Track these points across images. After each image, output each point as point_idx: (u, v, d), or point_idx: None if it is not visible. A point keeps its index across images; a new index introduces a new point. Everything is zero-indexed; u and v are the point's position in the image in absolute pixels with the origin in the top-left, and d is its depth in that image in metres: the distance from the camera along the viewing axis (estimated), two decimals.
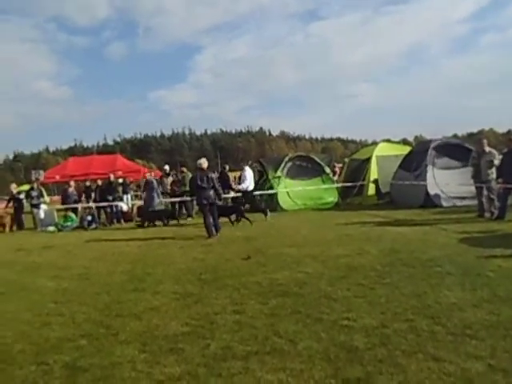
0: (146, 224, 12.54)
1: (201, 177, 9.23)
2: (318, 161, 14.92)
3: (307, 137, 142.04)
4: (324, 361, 2.88)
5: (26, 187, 16.54)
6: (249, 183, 12.47)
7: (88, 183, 15.89)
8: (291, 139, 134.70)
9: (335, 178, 16.16)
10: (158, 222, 12.54)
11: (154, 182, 13.64)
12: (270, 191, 14.03)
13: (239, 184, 16.52)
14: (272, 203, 13.95)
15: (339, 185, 15.04)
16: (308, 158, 15.16)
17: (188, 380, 2.74)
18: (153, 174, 17.83)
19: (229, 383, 2.67)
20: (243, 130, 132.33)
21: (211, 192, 9.28)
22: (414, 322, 3.44)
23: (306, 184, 14.09)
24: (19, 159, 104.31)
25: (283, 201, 13.85)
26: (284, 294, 4.43)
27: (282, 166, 14.44)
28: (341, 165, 20.05)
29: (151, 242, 9.05)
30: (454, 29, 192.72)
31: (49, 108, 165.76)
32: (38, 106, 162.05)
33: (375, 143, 17.61)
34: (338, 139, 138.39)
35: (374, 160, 14.53)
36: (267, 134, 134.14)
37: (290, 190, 13.96)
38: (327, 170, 14.85)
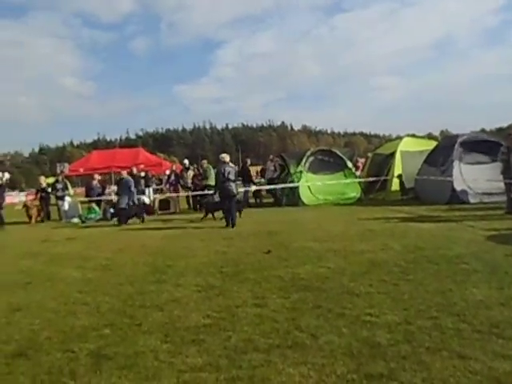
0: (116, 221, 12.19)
1: (225, 170, 9.77)
2: (341, 155, 14.75)
3: (329, 131, 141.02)
4: (346, 356, 2.86)
5: (51, 180, 16.97)
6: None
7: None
8: (313, 133, 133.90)
9: (358, 172, 15.99)
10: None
11: (131, 181, 12.99)
12: (291, 185, 13.97)
13: (262, 177, 16.62)
14: (294, 198, 13.91)
15: (362, 179, 14.86)
16: (330, 152, 15.00)
17: (210, 371, 2.76)
18: (174, 167, 18.02)
19: (250, 375, 2.67)
20: (264, 125, 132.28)
21: (234, 185, 9.92)
22: (439, 320, 3.37)
23: (328, 178, 13.96)
24: (44, 152, 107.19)
25: (305, 195, 13.78)
26: (306, 289, 4.41)
27: (304, 160, 14.35)
28: (363, 159, 19.80)
29: (173, 235, 9.15)
30: (485, 20, 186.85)
31: (73, 102, 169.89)
32: (63, 101, 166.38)
33: (399, 138, 17.28)
34: (361, 134, 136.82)
35: (398, 155, 14.27)
36: (289, 128, 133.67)
37: (311, 185, 13.87)
38: (349, 164, 14.66)
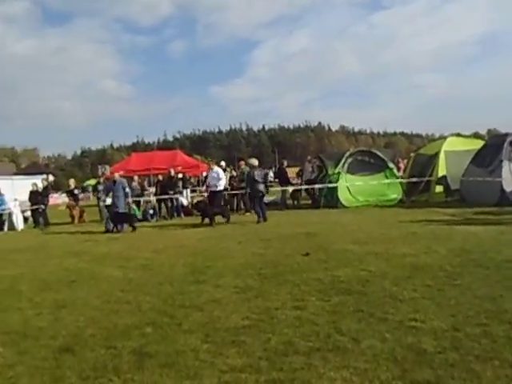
0: (112, 228, 11.52)
1: (254, 173, 11.39)
2: (381, 156, 14.37)
3: (368, 131, 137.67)
4: (390, 361, 2.78)
5: (92, 182, 17.69)
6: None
7: (161, 177, 16.53)
8: (351, 134, 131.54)
9: (399, 173, 15.54)
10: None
11: (124, 182, 12.65)
12: (330, 185, 13.78)
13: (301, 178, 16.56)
14: (332, 199, 13.73)
15: (404, 181, 14.43)
16: (370, 152, 14.65)
17: (250, 372, 2.75)
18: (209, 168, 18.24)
19: (291, 378, 2.64)
20: (301, 125, 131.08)
21: (262, 185, 11.28)
22: (489, 327, 3.20)
23: (368, 180, 13.65)
24: (86, 155, 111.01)
25: (344, 197, 13.55)
26: (346, 292, 4.33)
27: (343, 161, 14.11)
28: (405, 160, 19.24)
29: (210, 236, 9.26)
30: None
31: (113, 106, 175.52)
32: (103, 104, 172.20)
33: (443, 137, 16.64)
34: (402, 134, 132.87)
35: (442, 155, 13.70)
36: (326, 128, 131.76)
37: (350, 186, 13.63)
38: (391, 165, 14.26)
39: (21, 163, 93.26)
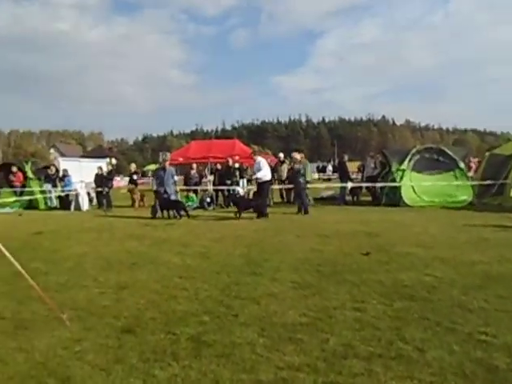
0: (160, 214, 11.74)
1: (296, 167, 12.45)
2: (451, 154, 13.50)
3: (436, 127, 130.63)
4: (458, 376, 2.59)
5: (152, 167, 18.29)
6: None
7: (219, 166, 16.81)
8: (417, 129, 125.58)
9: (470, 174, 14.57)
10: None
11: (173, 170, 13.14)
12: (393, 184, 13.23)
13: (362, 173, 16.07)
14: (395, 197, 13.17)
15: (475, 182, 13.50)
16: (439, 150, 13.81)
17: (307, 372, 2.68)
18: (269, 159, 18.19)
19: (350, 383, 2.55)
20: (363, 118, 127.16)
21: (302, 179, 12.41)
22: None
23: (436, 179, 12.89)
24: (147, 141, 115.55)
25: (408, 196, 12.93)
26: (410, 298, 4.10)
27: (409, 158, 13.44)
28: (477, 160, 18.00)
29: (266, 228, 9.23)
30: None
31: (175, 94, 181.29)
32: (165, 92, 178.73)
33: None
34: (474, 131, 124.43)
35: None
36: (390, 122, 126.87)
37: (415, 185, 12.98)
38: (461, 164, 13.37)
39: (87, 146, 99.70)
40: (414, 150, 13.81)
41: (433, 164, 13.36)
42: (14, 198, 15.45)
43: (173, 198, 12.31)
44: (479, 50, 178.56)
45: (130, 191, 16.43)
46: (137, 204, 15.75)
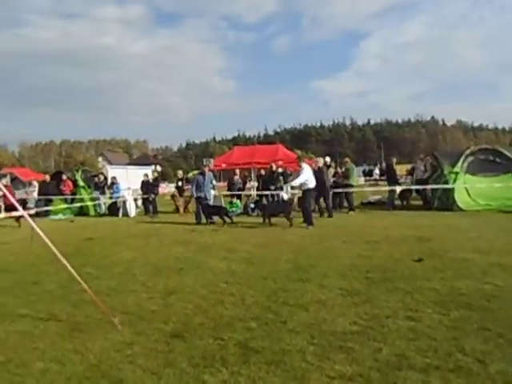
0: (204, 220, 11.89)
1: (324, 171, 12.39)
2: (509, 155, 12.71)
3: (490, 126, 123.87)
4: None
5: (196, 173, 18.58)
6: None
7: (263, 172, 16.78)
8: (470, 129, 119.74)
9: None
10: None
11: (212, 175, 13.09)
12: (445, 186, 12.63)
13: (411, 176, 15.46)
14: (447, 201, 12.56)
15: None
16: (496, 151, 12.98)
17: (360, 382, 2.60)
18: (313, 164, 17.96)
19: None
20: (412, 120, 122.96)
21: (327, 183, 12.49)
22: None
23: (492, 181, 12.09)
24: (190, 147, 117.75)
25: (461, 200, 12.27)
26: (468, 307, 3.87)
27: (462, 159, 12.76)
28: None
29: (313, 233, 9.09)
30: None
31: (216, 101, 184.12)
32: (207, 99, 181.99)
33: None
34: None
35: None
36: (440, 123, 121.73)
37: (470, 187, 12.31)
38: None
39: (133, 154, 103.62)
40: (467, 152, 13.12)
41: (488, 166, 12.58)
42: (65, 205, 16.21)
43: (211, 203, 12.44)
44: None
45: (173, 198, 16.76)
46: (181, 210, 16.05)
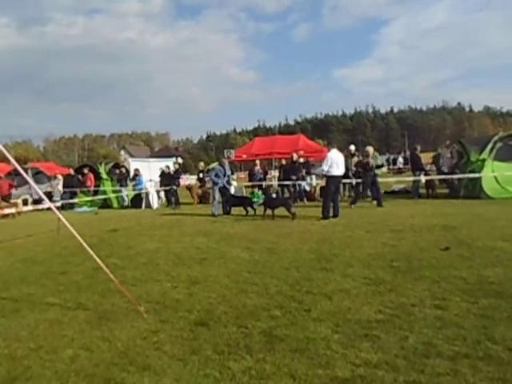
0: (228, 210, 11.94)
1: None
2: None
3: None
4: None
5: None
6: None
7: (284, 162, 16.65)
8: (498, 115, 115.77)
9: None
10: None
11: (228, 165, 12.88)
12: (472, 175, 12.30)
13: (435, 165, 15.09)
14: (474, 189, 12.23)
15: None
16: None
17: (387, 370, 2.56)
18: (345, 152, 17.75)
19: (434, 382, 2.39)
20: (436, 106, 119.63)
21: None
22: None
23: None
24: (211, 139, 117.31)
25: (489, 187, 11.93)
26: (497, 295, 3.78)
27: (490, 146, 12.37)
28: None
29: (335, 223, 9.02)
30: None
31: (236, 91, 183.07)
32: (227, 90, 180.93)
33: None
34: None
35: None
36: (467, 109, 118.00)
37: (498, 174, 11.95)
38: None
39: (154, 147, 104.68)
40: (495, 138, 12.70)
41: None
42: (89, 198, 16.51)
43: (235, 194, 12.48)
44: None
45: (189, 189, 16.88)
46: (195, 201, 16.13)
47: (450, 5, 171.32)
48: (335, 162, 10.04)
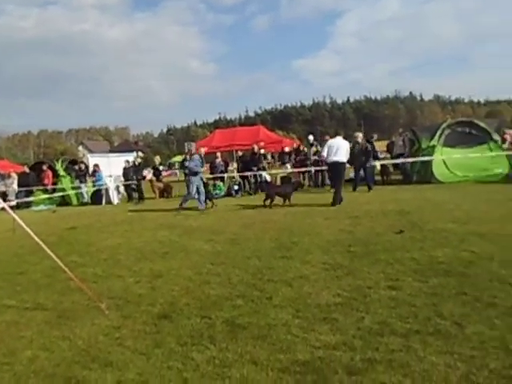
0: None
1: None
2: (484, 126, 12.96)
3: (467, 100, 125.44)
4: (500, 350, 2.55)
5: (178, 158, 18.43)
6: None
7: (240, 153, 16.68)
8: (447, 103, 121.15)
9: (505, 146, 13.99)
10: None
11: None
12: (423, 158, 12.85)
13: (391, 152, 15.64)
14: (426, 174, 12.82)
15: (510, 153, 12.94)
16: (471, 123, 13.25)
17: (344, 350, 2.68)
18: (295, 144, 18.05)
19: (388, 359, 2.53)
20: (390, 96, 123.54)
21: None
22: None
23: (469, 152, 12.36)
24: (172, 133, 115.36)
25: (439, 172, 12.54)
26: (446, 274, 4.01)
27: (439, 133, 12.99)
28: None
29: (295, 211, 9.18)
30: None
31: (196, 84, 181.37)
32: (187, 83, 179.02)
33: None
34: (508, 101, 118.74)
35: None
36: (418, 98, 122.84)
37: (447, 159, 12.56)
38: (495, 136, 12.83)
39: (113, 141, 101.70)
40: (444, 125, 13.36)
41: (465, 138, 12.85)
42: (46, 196, 15.87)
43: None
44: (505, 18, 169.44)
45: (151, 183, 16.65)
46: (157, 195, 15.94)
47: None
48: (334, 149, 10.09)
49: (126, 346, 3.04)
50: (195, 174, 11.34)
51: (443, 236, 5.57)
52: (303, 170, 15.50)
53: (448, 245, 5.08)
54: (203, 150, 12.25)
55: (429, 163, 12.72)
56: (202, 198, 11.22)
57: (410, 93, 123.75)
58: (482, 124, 13.11)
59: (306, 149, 16.41)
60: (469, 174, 12.34)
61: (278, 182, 15.56)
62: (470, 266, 4.18)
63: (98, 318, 3.63)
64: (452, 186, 11.76)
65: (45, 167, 17.12)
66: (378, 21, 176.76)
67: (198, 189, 11.21)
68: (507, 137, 15.06)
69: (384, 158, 16.70)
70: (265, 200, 10.60)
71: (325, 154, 10.34)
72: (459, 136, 12.94)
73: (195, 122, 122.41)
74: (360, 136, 12.85)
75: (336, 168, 10.19)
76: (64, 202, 16.43)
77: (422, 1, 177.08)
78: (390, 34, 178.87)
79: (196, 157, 11.49)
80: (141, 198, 15.37)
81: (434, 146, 12.90)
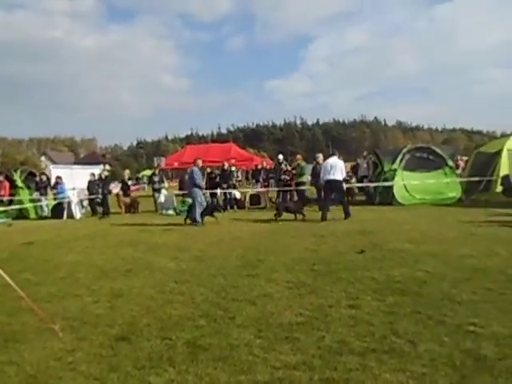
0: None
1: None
2: (440, 152, 13.77)
3: (426, 127, 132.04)
4: (448, 366, 2.65)
5: (147, 172, 18.19)
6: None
7: (209, 170, 16.61)
8: (408, 129, 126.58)
9: (458, 171, 14.80)
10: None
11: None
12: (386, 184, 13.37)
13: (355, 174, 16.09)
14: (388, 196, 13.31)
15: (463, 179, 13.69)
16: (429, 149, 14.08)
17: (303, 370, 2.71)
18: (265, 163, 18.22)
19: (345, 378, 2.57)
20: (357, 120, 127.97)
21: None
22: None
23: (426, 177, 13.09)
24: (142, 146, 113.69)
25: (400, 195, 13.09)
26: (402, 293, 4.16)
27: (400, 157, 13.65)
28: (465, 158, 18.23)
29: (263, 230, 9.25)
30: None
31: (169, 98, 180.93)
32: (159, 97, 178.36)
33: (506, 135, 15.61)
34: (462, 130, 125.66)
35: (505, 154, 13.03)
36: (382, 123, 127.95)
37: (407, 183, 13.14)
38: (450, 162, 13.66)
39: (79, 153, 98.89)
40: (404, 150, 14.02)
41: (423, 163, 13.59)
42: (2, 208, 14.75)
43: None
44: (464, 53, 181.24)
45: (117, 197, 16.29)
46: (123, 210, 15.61)
47: (368, 28, 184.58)
48: (329, 168, 10.54)
49: (79, 371, 2.88)
50: (198, 187, 11.25)
51: (401, 256, 5.77)
52: (275, 189, 15.64)
53: (405, 264, 5.28)
54: (200, 162, 12.01)
55: (391, 186, 13.23)
56: (199, 211, 11.04)
57: (375, 118, 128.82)
58: (438, 150, 13.89)
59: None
60: (426, 196, 12.97)
61: (248, 199, 15.61)
62: (424, 286, 4.35)
63: (50, 340, 3.44)
64: (410, 207, 12.32)
65: (1, 178, 16.10)
66: (347, 49, 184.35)
67: (194, 201, 11.09)
68: (460, 163, 15.98)
69: (349, 180, 17.15)
70: (275, 215, 10.75)
71: (321, 174, 10.78)
72: (418, 161, 13.65)
73: (166, 137, 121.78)
74: (321, 157, 13.09)
75: (334, 185, 10.64)
76: (21, 215, 15.60)
77: (388, 34, 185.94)
78: (357, 62, 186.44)
79: (195, 169, 11.34)
80: (106, 212, 14.93)
81: (395, 170, 13.46)
